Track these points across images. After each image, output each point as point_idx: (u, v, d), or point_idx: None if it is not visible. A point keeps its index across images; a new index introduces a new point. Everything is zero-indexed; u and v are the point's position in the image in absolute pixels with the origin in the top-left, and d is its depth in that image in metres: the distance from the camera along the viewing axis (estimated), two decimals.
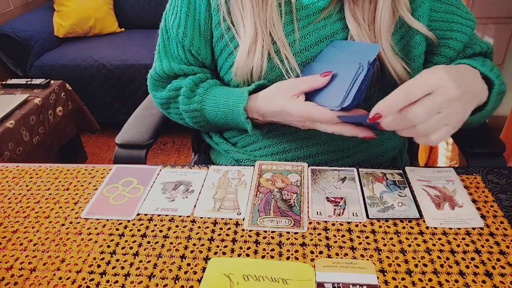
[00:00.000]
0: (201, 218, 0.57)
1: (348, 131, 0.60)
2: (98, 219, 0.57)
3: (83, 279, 0.48)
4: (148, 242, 0.53)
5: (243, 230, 0.54)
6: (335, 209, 0.57)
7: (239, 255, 0.50)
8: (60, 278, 0.48)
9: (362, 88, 0.58)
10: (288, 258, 0.50)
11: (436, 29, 0.67)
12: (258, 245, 0.52)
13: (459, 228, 0.53)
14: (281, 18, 0.66)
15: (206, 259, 0.50)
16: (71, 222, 0.57)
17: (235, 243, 0.52)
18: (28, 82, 1.73)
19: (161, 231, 0.55)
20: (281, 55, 0.65)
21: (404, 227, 0.53)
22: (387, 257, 0.49)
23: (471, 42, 0.69)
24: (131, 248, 0.52)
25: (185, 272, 0.48)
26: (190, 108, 0.72)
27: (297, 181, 0.63)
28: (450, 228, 0.53)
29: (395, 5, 0.63)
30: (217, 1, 0.68)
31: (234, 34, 0.67)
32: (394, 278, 0.46)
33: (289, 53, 0.65)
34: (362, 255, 0.49)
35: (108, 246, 0.53)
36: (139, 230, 0.55)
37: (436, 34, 0.67)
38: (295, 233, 0.53)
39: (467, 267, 0.47)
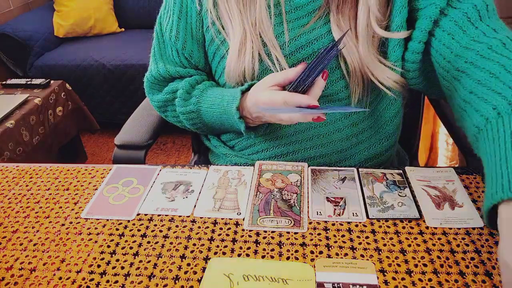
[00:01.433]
0: (201, 218, 0.57)
1: (299, 117, 0.60)
2: (98, 219, 0.57)
3: (83, 279, 0.48)
4: (148, 242, 0.53)
5: (243, 230, 0.54)
6: (335, 209, 0.57)
7: (239, 255, 0.50)
8: (60, 278, 0.48)
9: (315, 72, 0.57)
10: (288, 258, 0.50)
11: (412, 10, 0.61)
12: (258, 245, 0.52)
13: (459, 228, 0.53)
14: (271, 19, 0.66)
15: (206, 259, 0.50)
16: (71, 222, 0.57)
17: (235, 243, 0.52)
18: (28, 82, 1.73)
19: (161, 231, 0.55)
20: (272, 57, 0.65)
21: (404, 227, 0.53)
22: (387, 257, 0.49)
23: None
24: (131, 248, 0.52)
25: (185, 272, 0.48)
26: (186, 110, 0.72)
27: (297, 181, 0.63)
28: (450, 228, 0.53)
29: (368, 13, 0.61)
30: (206, 5, 0.68)
31: (224, 37, 0.68)
32: (394, 278, 0.46)
33: (280, 54, 0.65)
34: (362, 255, 0.49)
35: (108, 246, 0.53)
36: (139, 230, 0.55)
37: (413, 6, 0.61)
38: (295, 233, 0.53)
39: (467, 267, 0.47)
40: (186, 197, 0.61)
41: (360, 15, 0.62)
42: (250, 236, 0.53)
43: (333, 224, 0.54)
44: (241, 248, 0.51)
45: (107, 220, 0.57)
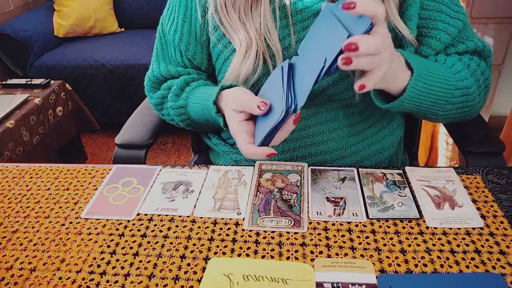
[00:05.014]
0: (201, 218, 0.57)
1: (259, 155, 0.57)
2: (98, 219, 0.57)
3: (83, 279, 0.48)
4: (148, 242, 0.53)
5: (243, 230, 0.54)
6: (335, 209, 0.57)
7: (239, 255, 0.50)
8: (60, 278, 0.48)
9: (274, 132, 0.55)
10: (288, 258, 0.50)
11: (422, 27, 0.67)
12: (258, 245, 0.52)
13: (459, 228, 0.53)
14: (276, 23, 0.66)
15: (206, 259, 0.50)
16: (71, 222, 0.57)
17: (235, 243, 0.52)
18: (28, 82, 1.73)
19: (161, 231, 0.55)
20: (275, 60, 0.66)
21: (404, 227, 0.53)
22: (387, 257, 0.49)
23: (456, 41, 0.68)
24: (131, 248, 0.52)
25: (185, 272, 0.48)
26: (176, 105, 0.72)
27: (297, 181, 0.63)
28: (450, 228, 0.53)
29: (384, 3, 0.62)
30: (210, 10, 0.68)
31: (229, 40, 0.68)
32: None
33: (281, 60, 0.65)
34: (362, 255, 0.49)
35: (108, 246, 0.53)
36: (139, 230, 0.55)
37: (421, 32, 0.67)
38: (295, 233, 0.53)
39: (467, 267, 0.47)
40: (186, 197, 0.61)
41: None
42: (250, 236, 0.53)
43: (333, 224, 0.54)
44: (241, 248, 0.51)
45: (107, 220, 0.57)
